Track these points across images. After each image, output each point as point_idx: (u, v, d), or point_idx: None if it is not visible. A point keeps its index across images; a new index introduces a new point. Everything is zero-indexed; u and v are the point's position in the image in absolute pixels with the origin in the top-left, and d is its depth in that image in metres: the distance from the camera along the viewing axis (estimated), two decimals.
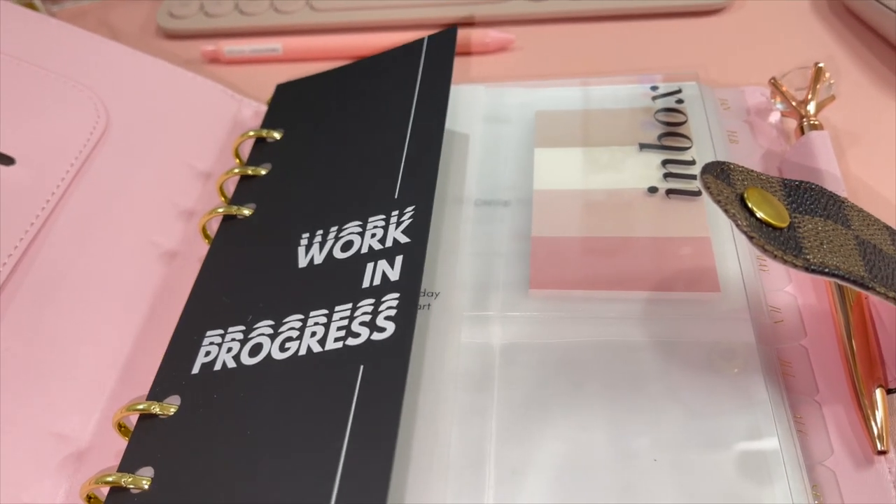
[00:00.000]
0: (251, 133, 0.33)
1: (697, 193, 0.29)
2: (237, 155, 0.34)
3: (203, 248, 0.30)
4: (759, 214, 0.22)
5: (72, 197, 0.30)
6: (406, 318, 0.23)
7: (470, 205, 0.30)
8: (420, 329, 0.26)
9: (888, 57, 0.36)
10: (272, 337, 0.25)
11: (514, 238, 0.29)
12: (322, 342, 0.24)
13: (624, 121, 0.33)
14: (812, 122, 0.31)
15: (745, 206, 0.22)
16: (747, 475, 0.22)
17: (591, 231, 0.29)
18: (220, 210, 0.30)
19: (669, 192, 0.29)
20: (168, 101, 0.35)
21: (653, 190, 0.30)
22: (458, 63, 0.40)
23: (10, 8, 0.37)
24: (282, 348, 0.24)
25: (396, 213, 0.27)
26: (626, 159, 0.31)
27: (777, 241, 0.21)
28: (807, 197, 0.24)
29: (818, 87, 0.33)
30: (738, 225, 0.21)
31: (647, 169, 0.30)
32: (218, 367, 0.25)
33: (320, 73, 0.36)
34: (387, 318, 0.23)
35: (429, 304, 0.27)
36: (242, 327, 0.26)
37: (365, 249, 0.26)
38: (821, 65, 0.33)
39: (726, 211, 0.22)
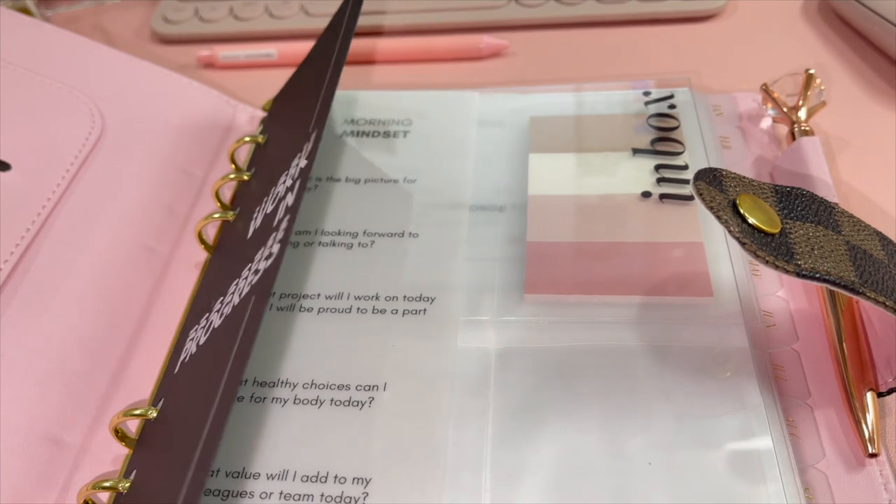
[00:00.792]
0: (247, 138, 0.33)
1: (690, 198, 0.29)
2: (233, 160, 0.34)
3: (199, 253, 0.31)
4: (751, 220, 0.22)
5: (67, 202, 0.30)
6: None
7: (465, 210, 0.30)
8: (417, 333, 0.26)
9: (878, 63, 0.37)
10: (218, 311, 0.24)
11: (509, 243, 0.29)
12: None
13: (617, 126, 0.33)
14: (803, 127, 0.32)
15: (738, 212, 0.22)
16: (741, 477, 0.22)
17: (586, 236, 0.29)
18: (216, 215, 0.30)
19: (663, 196, 0.30)
20: (163, 107, 0.35)
21: (646, 195, 0.30)
22: (453, 69, 0.40)
23: (5, 13, 0.37)
24: (220, 316, 0.24)
25: None
26: (620, 164, 0.31)
27: (769, 247, 0.22)
28: (798, 203, 0.24)
29: (809, 93, 0.33)
30: (730, 231, 0.22)
31: (640, 174, 0.31)
32: (186, 358, 0.25)
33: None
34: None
35: (424, 309, 0.27)
36: (208, 313, 0.25)
37: None
38: (811, 71, 0.33)
39: (718, 217, 0.22)
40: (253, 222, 0.27)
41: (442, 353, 0.26)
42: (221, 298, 0.24)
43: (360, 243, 0.29)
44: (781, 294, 0.28)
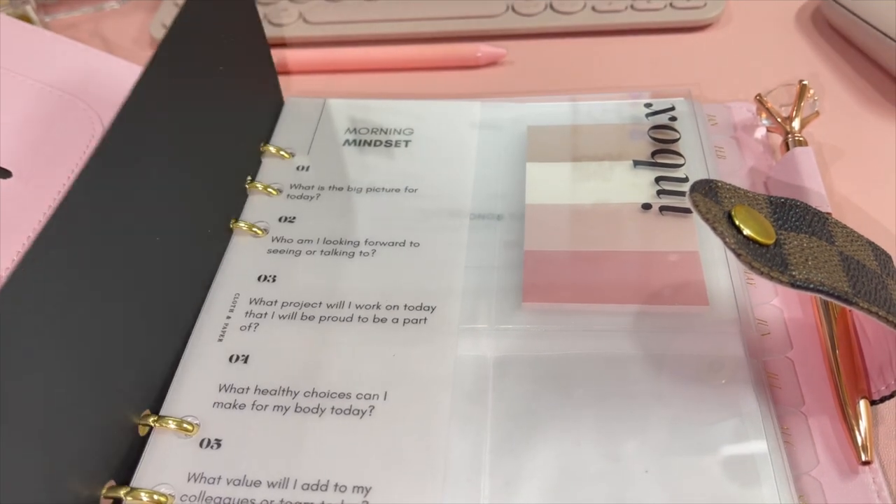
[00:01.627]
0: None
1: (690, 210, 0.30)
2: None
3: None
4: (746, 231, 0.22)
5: None
6: None
7: (465, 218, 0.31)
8: (417, 342, 0.27)
9: (871, 73, 0.37)
10: None
11: (507, 251, 0.30)
12: None
13: (617, 137, 0.33)
14: (797, 137, 0.32)
15: (733, 223, 0.23)
16: (737, 484, 0.23)
17: (583, 245, 0.29)
18: None
19: (663, 209, 0.30)
20: None
21: (647, 206, 0.30)
22: (450, 77, 0.41)
23: (4, 21, 0.37)
24: None
25: None
26: (620, 175, 0.32)
27: (763, 258, 0.22)
28: (792, 214, 0.24)
29: (802, 103, 0.33)
30: (725, 242, 0.22)
31: (640, 185, 0.31)
32: None
33: None
34: None
35: (425, 319, 0.27)
36: None
37: None
38: (805, 82, 0.34)
39: (714, 228, 0.22)
40: None
41: (441, 361, 0.26)
42: None
43: (361, 252, 0.30)
44: (776, 303, 0.28)
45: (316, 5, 0.44)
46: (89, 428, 0.25)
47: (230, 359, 0.27)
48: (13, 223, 0.29)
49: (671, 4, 0.41)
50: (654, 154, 0.32)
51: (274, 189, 0.32)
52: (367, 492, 0.23)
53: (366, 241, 0.30)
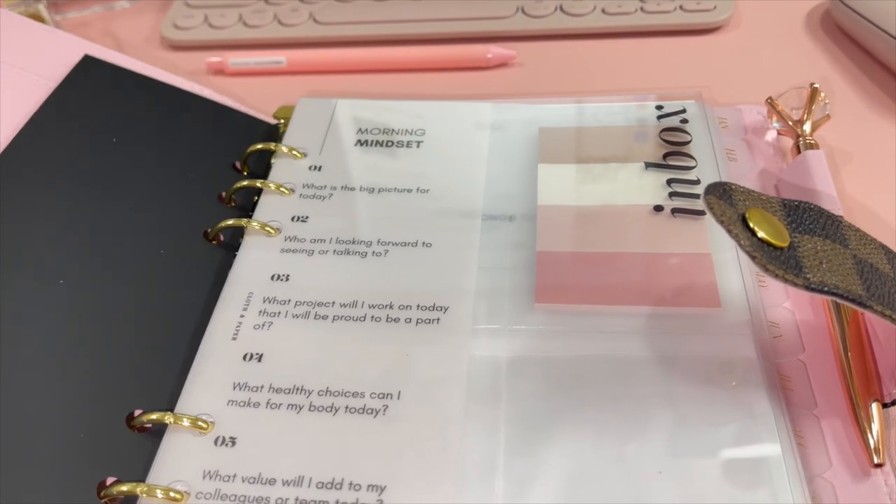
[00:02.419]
0: (258, 146, 0.34)
1: (703, 213, 0.30)
2: (246, 169, 0.34)
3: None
4: (761, 234, 0.23)
5: None
6: None
7: (477, 219, 0.31)
8: (430, 342, 0.27)
9: (880, 76, 0.38)
10: None
11: (519, 252, 0.30)
12: None
13: (628, 139, 0.33)
14: (808, 141, 0.32)
15: (747, 226, 0.23)
16: (750, 486, 0.23)
17: (595, 246, 0.29)
18: (230, 222, 0.31)
19: (675, 211, 0.30)
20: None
21: (658, 208, 0.30)
22: (460, 78, 0.41)
23: (16, 19, 0.37)
24: None
25: None
26: (630, 177, 0.32)
27: (778, 261, 0.22)
28: (806, 217, 0.25)
29: (814, 107, 0.33)
30: (740, 245, 0.22)
31: (652, 187, 0.31)
32: None
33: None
34: None
35: (438, 319, 0.28)
36: None
37: None
38: (816, 85, 0.34)
39: (729, 231, 0.22)
40: None
41: (455, 361, 0.26)
42: None
43: (374, 252, 0.30)
44: (787, 305, 0.28)
45: (326, 6, 0.44)
46: (102, 425, 0.25)
47: (244, 357, 0.27)
48: None
49: (681, 7, 0.42)
50: (665, 156, 0.32)
51: (286, 188, 0.32)
52: (382, 490, 0.23)
53: (378, 241, 0.30)
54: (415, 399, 0.25)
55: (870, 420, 0.24)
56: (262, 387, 0.26)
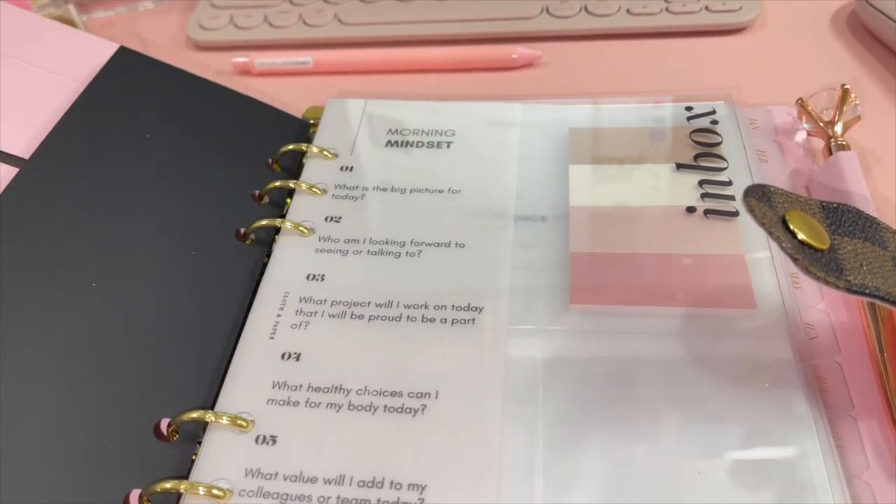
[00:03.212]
0: (290, 147, 0.34)
1: (735, 214, 0.30)
2: (277, 167, 0.34)
3: None
4: (801, 236, 0.23)
5: None
6: None
7: (509, 219, 0.31)
8: (466, 342, 0.27)
9: None
10: None
11: (552, 253, 0.30)
12: None
13: (658, 140, 0.33)
14: (840, 142, 0.32)
15: (787, 228, 0.23)
16: (791, 487, 0.23)
17: (628, 247, 0.30)
18: (264, 221, 0.31)
19: (707, 212, 0.30)
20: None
21: (691, 209, 0.30)
22: (486, 78, 0.41)
23: (45, 23, 0.37)
24: None
25: None
26: (662, 178, 0.32)
27: (819, 263, 0.22)
28: (845, 219, 0.25)
29: (845, 108, 0.33)
30: (782, 247, 0.22)
31: (683, 188, 0.31)
32: None
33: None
34: None
35: (473, 319, 0.28)
36: None
37: None
38: (847, 86, 0.34)
39: (770, 233, 0.22)
40: None
41: (491, 361, 0.26)
42: None
43: (407, 252, 0.30)
44: (822, 307, 0.28)
45: (351, 6, 0.44)
46: (143, 424, 0.25)
47: (282, 356, 0.27)
48: None
49: (706, 7, 0.42)
50: (696, 157, 0.32)
51: (319, 189, 0.33)
52: (423, 489, 0.23)
53: (411, 242, 0.30)
54: (453, 399, 0.26)
55: None
56: (301, 386, 0.26)
